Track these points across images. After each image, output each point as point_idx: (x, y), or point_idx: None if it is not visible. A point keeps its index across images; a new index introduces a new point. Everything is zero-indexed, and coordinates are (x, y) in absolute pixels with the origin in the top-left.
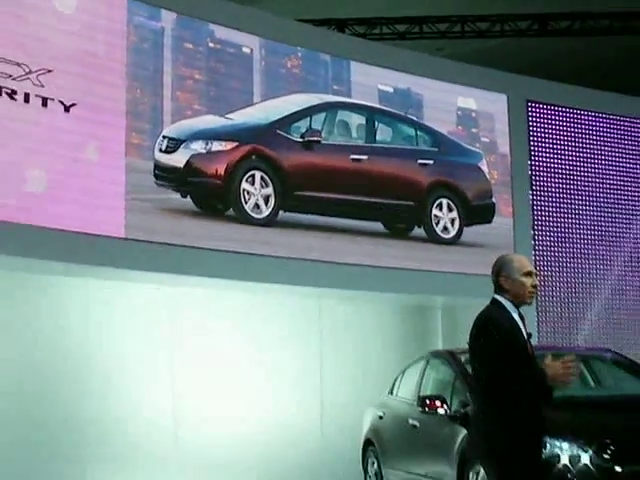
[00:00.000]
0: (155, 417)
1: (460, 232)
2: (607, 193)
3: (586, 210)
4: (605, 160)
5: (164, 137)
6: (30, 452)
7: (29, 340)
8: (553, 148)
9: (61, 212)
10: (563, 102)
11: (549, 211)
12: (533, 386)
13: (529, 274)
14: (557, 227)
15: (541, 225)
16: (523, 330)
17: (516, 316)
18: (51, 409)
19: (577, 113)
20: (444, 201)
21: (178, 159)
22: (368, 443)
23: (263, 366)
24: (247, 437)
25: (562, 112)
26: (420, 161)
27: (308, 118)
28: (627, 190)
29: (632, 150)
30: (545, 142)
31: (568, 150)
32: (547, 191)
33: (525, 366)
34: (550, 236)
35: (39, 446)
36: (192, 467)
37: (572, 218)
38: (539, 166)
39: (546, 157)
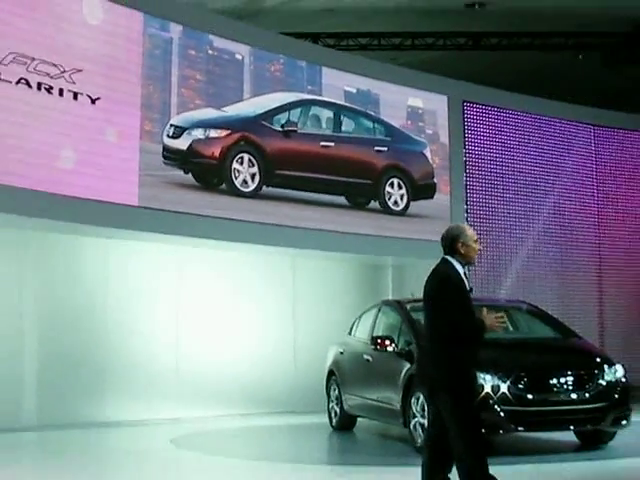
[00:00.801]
0: (161, 355)
1: (408, 205)
2: (526, 176)
3: (509, 190)
4: (525, 149)
5: (171, 125)
6: (59, 384)
7: (58, 289)
8: (483, 139)
9: (86, 184)
10: (492, 102)
11: (479, 190)
12: (474, 330)
13: (476, 241)
14: (485, 203)
15: (472, 201)
16: (467, 285)
17: (462, 274)
18: (75, 348)
19: (503, 111)
20: (395, 180)
21: (182, 143)
22: (331, 374)
23: (247, 312)
24: (234, 371)
25: (491, 110)
26: (376, 148)
27: (287, 112)
28: (542, 173)
29: (545, 141)
30: (477, 134)
31: (495, 141)
32: (478, 174)
33: (469, 314)
34: (479, 210)
35: (66, 379)
36: (190, 395)
37: (497, 196)
38: (472, 154)
39: (477, 146)
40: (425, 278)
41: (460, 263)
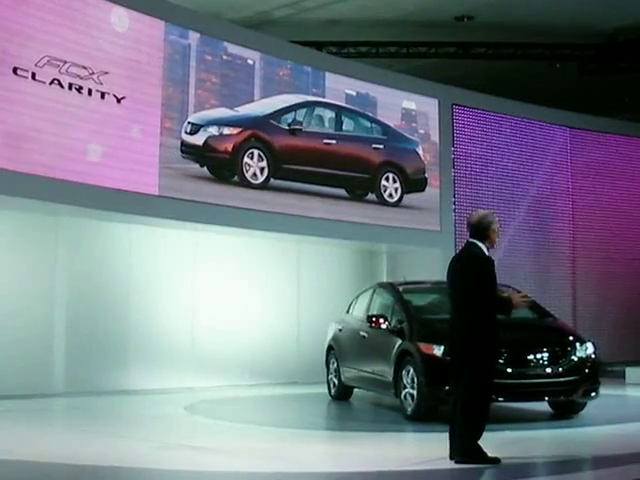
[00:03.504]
0: (178, 331)
1: (401, 198)
2: (508, 172)
3: (493, 184)
4: (508, 148)
5: (188, 123)
6: (85, 355)
7: (86, 269)
8: (470, 139)
9: (112, 175)
10: (479, 106)
11: (466, 184)
12: (505, 307)
13: (499, 228)
14: (471, 196)
15: (460, 194)
16: None
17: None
18: (100, 323)
19: (488, 114)
20: (390, 175)
21: (198, 139)
22: (330, 348)
23: (257, 291)
24: (244, 345)
25: (478, 113)
26: (374, 145)
27: (293, 112)
28: (522, 170)
29: (526, 140)
30: (465, 134)
31: (481, 140)
32: (465, 170)
33: (495, 291)
34: (466, 202)
35: (92, 351)
36: (204, 367)
37: (482, 190)
38: (460, 152)
39: (465, 145)
40: (415, 263)
41: (486, 247)
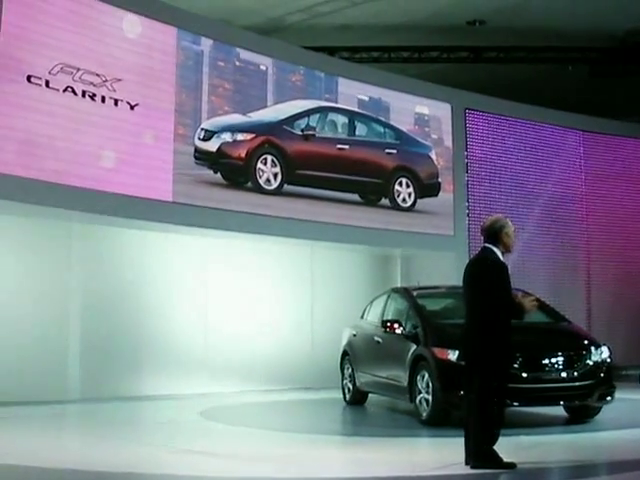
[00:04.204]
0: (191, 337)
1: (415, 202)
2: (521, 176)
3: (506, 188)
4: (520, 152)
5: (202, 129)
6: (100, 362)
7: (100, 276)
8: (483, 143)
9: (125, 181)
10: (491, 110)
11: (479, 189)
12: (517, 311)
13: (514, 232)
14: (484, 200)
15: (473, 199)
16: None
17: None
18: (115, 330)
19: (501, 118)
20: (403, 180)
21: (212, 145)
22: (345, 353)
23: (270, 297)
24: (258, 350)
25: (490, 117)
26: (387, 150)
27: (306, 118)
28: (535, 174)
29: (539, 144)
30: (477, 139)
31: (494, 144)
32: (478, 174)
33: (510, 296)
34: (479, 207)
35: (107, 357)
36: (218, 372)
37: (496, 194)
38: (473, 156)
39: (478, 149)
40: (429, 268)
41: (500, 251)
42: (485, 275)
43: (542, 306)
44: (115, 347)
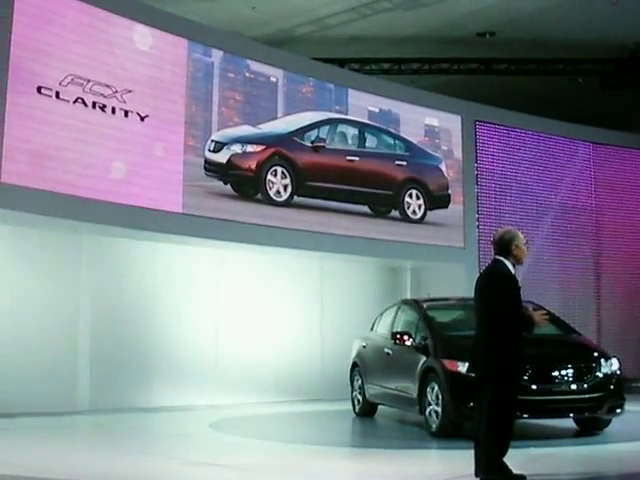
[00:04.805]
0: (202, 348)
1: (425, 214)
2: (531, 188)
3: (516, 200)
4: (530, 164)
5: (212, 140)
6: (110, 373)
7: (110, 287)
8: (493, 155)
9: (135, 193)
10: (501, 122)
11: (489, 201)
12: (527, 324)
13: (525, 244)
14: (495, 212)
15: (483, 211)
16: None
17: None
18: (124, 341)
19: (511, 130)
20: (413, 191)
21: (222, 157)
22: (354, 365)
23: (280, 309)
24: (268, 362)
25: (500, 129)
26: (397, 162)
27: (316, 129)
28: (545, 186)
29: (549, 156)
30: (487, 150)
31: (504, 156)
32: (488, 186)
33: (520, 309)
34: (489, 219)
35: (116, 368)
36: (228, 384)
37: (506, 206)
38: (483, 168)
39: (488, 161)
40: (439, 279)
41: (511, 263)
42: (495, 287)
43: (552, 318)
44: (125, 358)
